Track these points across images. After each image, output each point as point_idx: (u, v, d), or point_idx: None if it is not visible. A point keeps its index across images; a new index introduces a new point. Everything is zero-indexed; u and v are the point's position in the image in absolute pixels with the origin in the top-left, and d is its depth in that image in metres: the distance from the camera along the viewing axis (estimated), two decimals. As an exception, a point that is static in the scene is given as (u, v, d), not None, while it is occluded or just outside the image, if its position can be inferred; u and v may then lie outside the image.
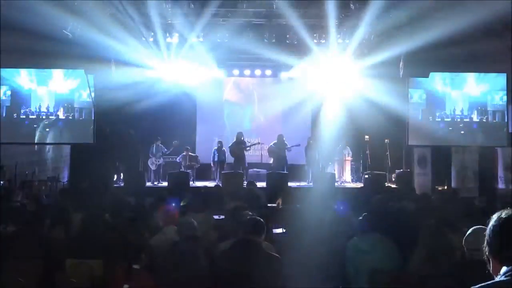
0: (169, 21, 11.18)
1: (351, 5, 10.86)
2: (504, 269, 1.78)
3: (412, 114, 12.32)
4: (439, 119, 12.39)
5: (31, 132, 12.07)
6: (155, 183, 12.00)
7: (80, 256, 3.81)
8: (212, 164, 12.73)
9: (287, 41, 11.71)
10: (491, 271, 1.85)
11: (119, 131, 12.66)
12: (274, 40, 11.53)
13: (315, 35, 11.46)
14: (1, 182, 10.33)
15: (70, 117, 12.21)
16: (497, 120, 12.31)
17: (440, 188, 12.24)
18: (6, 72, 12.07)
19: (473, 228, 3.25)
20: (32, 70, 12.18)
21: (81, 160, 12.62)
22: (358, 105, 13.85)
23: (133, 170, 12.33)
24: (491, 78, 12.40)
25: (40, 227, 4.57)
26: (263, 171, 12.59)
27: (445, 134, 12.37)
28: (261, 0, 10.61)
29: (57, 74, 12.30)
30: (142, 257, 3.84)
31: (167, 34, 11.47)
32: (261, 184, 10.92)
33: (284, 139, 12.52)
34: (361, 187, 11.14)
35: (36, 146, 12.37)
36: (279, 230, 7.64)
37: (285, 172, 11.87)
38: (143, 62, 11.93)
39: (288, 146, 12.44)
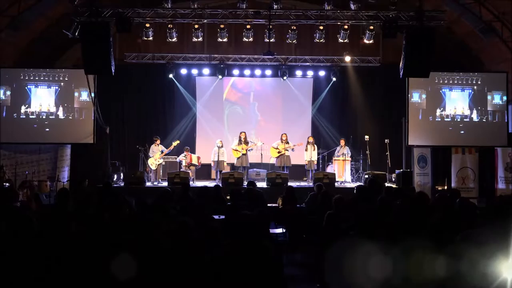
0: (170, 21, 11.17)
1: (352, 5, 10.86)
2: None
3: (412, 114, 12.31)
4: (439, 119, 12.39)
5: (31, 132, 12.06)
6: (155, 183, 11.98)
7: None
8: (212, 164, 12.72)
9: (288, 40, 11.71)
10: None
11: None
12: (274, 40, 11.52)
13: (316, 34, 11.45)
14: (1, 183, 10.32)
15: (70, 117, 12.21)
16: (497, 120, 12.30)
17: (440, 188, 12.26)
18: (6, 72, 12.07)
19: None
20: (32, 70, 12.17)
21: (81, 160, 12.62)
22: (358, 105, 13.90)
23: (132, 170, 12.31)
24: (491, 78, 12.38)
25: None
26: (263, 171, 12.57)
27: (445, 134, 12.37)
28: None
29: (57, 74, 12.29)
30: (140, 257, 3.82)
31: (168, 34, 11.46)
32: (261, 184, 10.92)
33: (286, 138, 12.51)
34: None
35: (36, 146, 12.36)
36: (279, 230, 7.65)
37: (285, 172, 11.86)
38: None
39: (292, 145, 12.42)
